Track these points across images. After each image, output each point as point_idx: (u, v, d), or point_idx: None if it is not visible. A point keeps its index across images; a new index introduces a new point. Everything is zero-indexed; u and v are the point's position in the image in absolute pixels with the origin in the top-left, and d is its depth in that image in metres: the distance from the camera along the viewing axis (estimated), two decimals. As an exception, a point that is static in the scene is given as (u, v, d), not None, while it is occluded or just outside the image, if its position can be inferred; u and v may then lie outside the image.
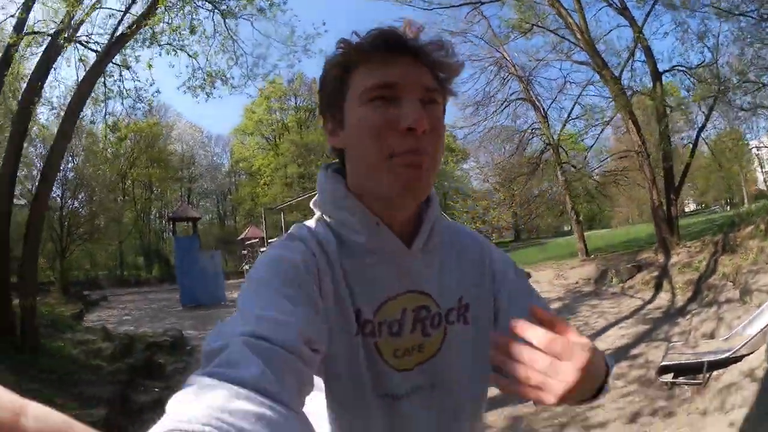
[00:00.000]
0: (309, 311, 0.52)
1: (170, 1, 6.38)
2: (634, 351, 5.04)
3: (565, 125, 13.23)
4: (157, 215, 36.36)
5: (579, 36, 10.06)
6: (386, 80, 0.57)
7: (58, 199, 15.98)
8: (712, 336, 4.55)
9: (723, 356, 3.60)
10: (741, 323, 4.11)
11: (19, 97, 6.53)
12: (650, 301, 6.93)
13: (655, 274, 7.88)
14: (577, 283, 9.88)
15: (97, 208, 18.89)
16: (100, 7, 6.58)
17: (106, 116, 7.71)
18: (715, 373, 3.58)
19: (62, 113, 6.72)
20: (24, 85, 6.57)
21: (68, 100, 6.62)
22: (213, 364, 0.42)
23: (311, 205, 0.68)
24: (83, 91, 6.62)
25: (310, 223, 0.66)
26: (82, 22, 6.51)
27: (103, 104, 7.50)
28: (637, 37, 9.74)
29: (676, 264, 7.57)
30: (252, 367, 0.40)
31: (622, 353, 4.98)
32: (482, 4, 12.43)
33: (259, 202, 29.30)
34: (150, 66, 6.85)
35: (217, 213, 38.90)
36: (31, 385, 4.21)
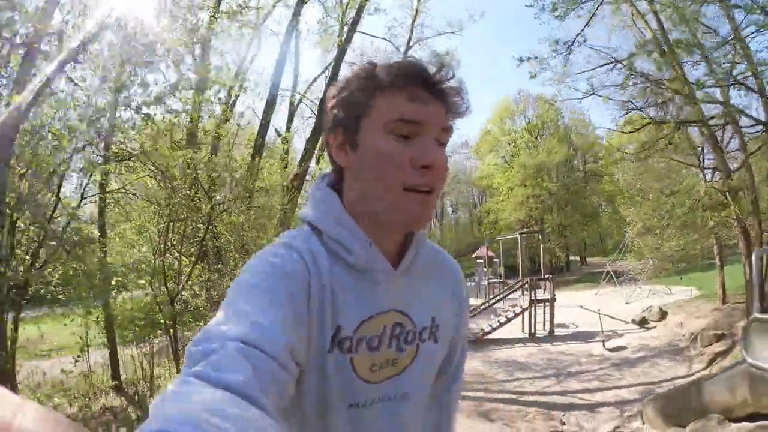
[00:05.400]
0: (296, 321, 0.55)
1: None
2: (600, 409, 5.77)
3: (740, 168, 11.46)
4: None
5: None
6: (414, 117, 0.60)
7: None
8: None
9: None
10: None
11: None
12: (685, 376, 6.72)
13: (722, 349, 7.34)
14: (684, 335, 9.42)
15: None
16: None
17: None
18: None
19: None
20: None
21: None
22: (201, 365, 0.43)
23: (299, 216, 0.70)
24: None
25: (304, 234, 0.66)
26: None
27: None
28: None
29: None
30: (240, 373, 0.42)
31: (593, 407, 5.87)
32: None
33: (499, 217, 30.54)
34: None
35: (457, 222, 40.95)
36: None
